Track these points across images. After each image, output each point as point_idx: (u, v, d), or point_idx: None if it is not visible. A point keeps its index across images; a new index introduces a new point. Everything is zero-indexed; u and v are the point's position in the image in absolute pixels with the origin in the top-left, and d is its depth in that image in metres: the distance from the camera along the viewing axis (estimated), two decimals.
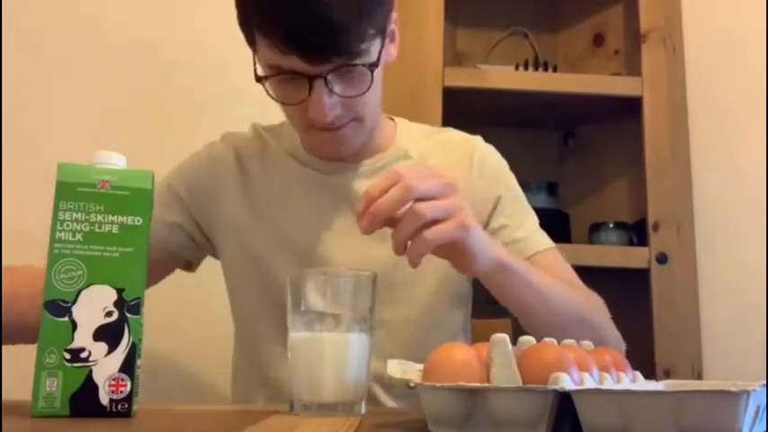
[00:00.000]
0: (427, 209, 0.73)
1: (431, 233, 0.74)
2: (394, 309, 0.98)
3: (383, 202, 0.73)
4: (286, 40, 0.83)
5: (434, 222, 0.74)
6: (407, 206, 0.74)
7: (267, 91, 0.92)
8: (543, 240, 1.06)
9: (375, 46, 0.88)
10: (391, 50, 0.98)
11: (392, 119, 1.12)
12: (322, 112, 0.88)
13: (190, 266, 1.11)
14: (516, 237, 1.04)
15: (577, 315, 0.95)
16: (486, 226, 1.03)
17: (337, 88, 0.88)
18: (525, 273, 0.89)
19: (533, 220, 1.09)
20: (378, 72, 0.90)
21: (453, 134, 1.13)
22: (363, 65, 0.87)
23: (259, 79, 0.91)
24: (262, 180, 1.05)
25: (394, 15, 0.95)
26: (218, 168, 1.08)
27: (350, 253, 0.98)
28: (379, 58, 0.89)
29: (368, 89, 0.89)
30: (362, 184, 0.99)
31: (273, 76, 0.89)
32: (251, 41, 0.91)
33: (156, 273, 1.02)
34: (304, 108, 0.89)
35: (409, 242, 0.75)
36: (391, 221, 0.75)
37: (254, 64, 0.93)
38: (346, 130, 0.94)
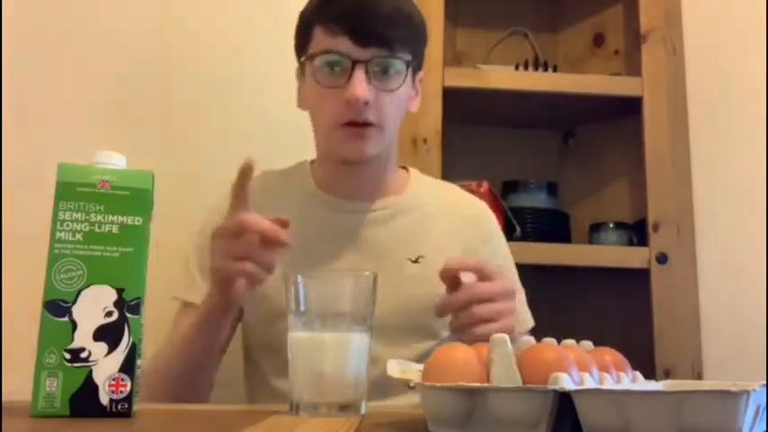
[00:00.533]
0: (482, 312, 0.87)
1: (482, 329, 0.86)
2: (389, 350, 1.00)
3: (452, 301, 0.88)
4: (343, 24, 0.98)
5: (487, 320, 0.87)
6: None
7: (314, 74, 1.02)
8: (528, 318, 1.15)
9: (408, 60, 1.03)
10: (414, 100, 1.11)
11: (406, 168, 1.20)
12: (359, 92, 0.98)
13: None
14: None
15: None
16: None
17: (374, 79, 1.00)
18: None
19: (522, 295, 1.15)
20: (403, 92, 1.03)
21: (460, 194, 1.22)
22: (401, 59, 1.01)
23: (308, 58, 1.03)
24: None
25: (421, 75, 1.11)
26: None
27: None
28: (410, 68, 1.03)
29: (399, 86, 1.02)
30: (373, 230, 1.08)
31: (320, 56, 1.01)
32: (306, 40, 1.05)
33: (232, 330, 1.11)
34: (339, 97, 0.99)
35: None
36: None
37: (299, 88, 1.10)
38: (369, 132, 1.02)
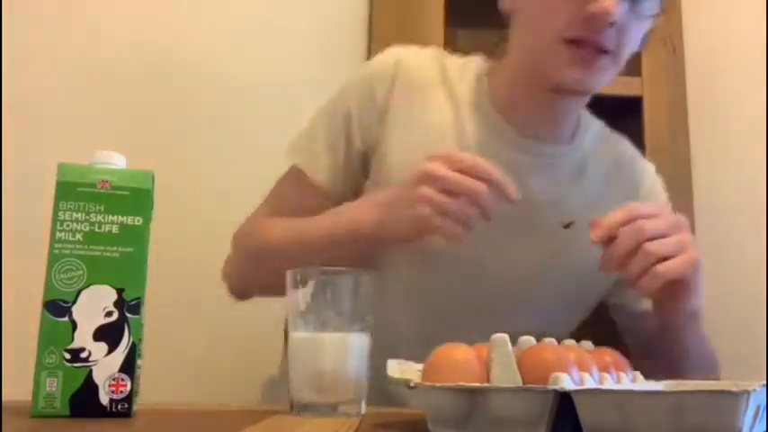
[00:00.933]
0: (658, 248, 0.77)
1: (664, 267, 0.77)
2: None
3: (618, 248, 0.75)
4: None
5: (665, 258, 0.77)
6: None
7: None
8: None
9: (652, 18, 0.88)
10: (641, 43, 0.94)
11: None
12: (609, 5, 0.81)
13: None
14: None
15: (711, 367, 1.04)
16: None
17: (624, 6, 0.83)
18: (702, 324, 0.96)
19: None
20: (642, 27, 0.88)
21: (629, 150, 1.08)
22: (651, 7, 0.86)
23: None
24: (438, 111, 0.95)
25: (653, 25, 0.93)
26: (376, 91, 0.96)
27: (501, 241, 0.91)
28: (651, 19, 0.88)
29: (654, 13, 0.86)
30: (548, 175, 0.94)
31: None
32: None
33: None
34: (576, 4, 0.82)
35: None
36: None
37: None
38: (602, 61, 0.87)
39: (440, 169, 0.77)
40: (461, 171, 0.77)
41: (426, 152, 0.83)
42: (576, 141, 0.99)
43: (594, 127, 1.04)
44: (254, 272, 0.98)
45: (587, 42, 0.84)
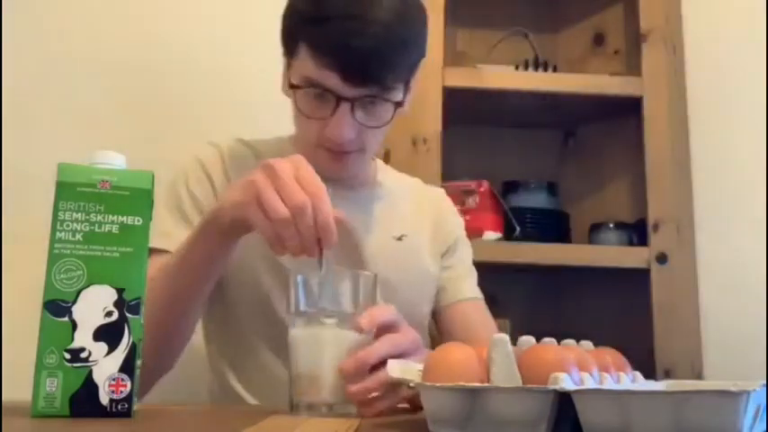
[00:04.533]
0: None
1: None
2: None
3: (371, 354, 0.73)
4: (334, 59, 0.89)
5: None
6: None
7: (294, 102, 0.96)
8: (479, 292, 1.17)
9: (401, 89, 0.96)
10: (409, 101, 1.03)
11: (373, 158, 1.17)
12: (340, 132, 0.93)
13: None
14: (459, 279, 1.16)
15: None
16: (441, 255, 1.16)
17: (359, 115, 0.94)
18: None
19: (475, 271, 1.20)
20: (386, 119, 0.97)
21: (427, 186, 1.24)
22: (390, 101, 0.94)
23: (291, 87, 0.96)
24: None
25: (418, 75, 1.02)
26: (210, 171, 1.06)
27: None
28: (404, 100, 0.97)
29: (385, 124, 0.96)
30: (355, 212, 1.02)
31: (305, 89, 0.94)
32: (290, 52, 0.97)
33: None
34: (322, 125, 0.95)
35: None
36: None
37: (285, 74, 1.00)
38: (350, 157, 0.99)
39: (282, 166, 0.75)
40: (299, 180, 0.75)
41: None
42: (377, 181, 1.15)
43: (390, 171, 1.22)
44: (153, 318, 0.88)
45: (334, 150, 0.97)
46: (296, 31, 0.95)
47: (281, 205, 0.73)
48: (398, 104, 0.96)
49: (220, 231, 0.83)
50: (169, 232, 0.98)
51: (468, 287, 1.16)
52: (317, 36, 0.91)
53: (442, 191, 1.25)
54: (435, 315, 1.16)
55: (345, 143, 0.95)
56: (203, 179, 1.05)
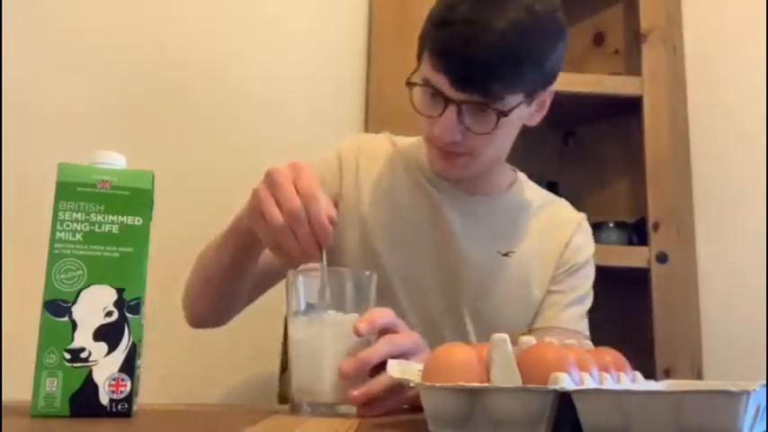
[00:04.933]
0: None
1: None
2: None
3: (372, 355, 0.74)
4: (444, 62, 0.93)
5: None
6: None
7: (411, 98, 1.00)
8: (582, 325, 1.12)
9: (515, 99, 0.96)
10: (535, 115, 1.05)
11: (514, 170, 1.20)
12: (444, 132, 0.96)
13: None
14: (561, 305, 1.10)
15: None
16: (550, 280, 1.11)
17: (466, 119, 0.95)
18: None
19: (588, 305, 1.15)
20: (507, 123, 0.97)
21: (564, 204, 1.22)
22: (494, 109, 0.94)
23: (408, 84, 0.99)
24: (388, 182, 1.11)
25: (551, 89, 1.05)
26: (347, 163, 1.11)
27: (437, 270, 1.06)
28: (510, 111, 0.96)
29: (490, 132, 0.96)
30: (470, 220, 1.07)
31: (421, 87, 0.98)
32: (419, 53, 1.00)
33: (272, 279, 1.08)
34: (432, 123, 0.98)
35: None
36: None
37: (413, 72, 1.01)
38: (459, 160, 1.01)
39: (280, 173, 0.78)
40: (297, 188, 0.77)
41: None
42: (509, 193, 1.15)
43: (529, 187, 1.20)
44: (195, 286, 1.05)
45: (441, 149, 1.00)
46: (425, 34, 0.98)
47: (277, 212, 0.75)
48: (503, 114, 0.95)
49: (242, 238, 0.89)
50: None
51: (565, 317, 1.09)
52: (438, 39, 0.95)
53: (582, 217, 1.20)
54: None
55: (449, 144, 0.97)
56: (335, 166, 1.11)
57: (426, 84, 0.97)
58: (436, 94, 0.96)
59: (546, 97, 1.05)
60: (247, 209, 0.82)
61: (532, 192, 1.19)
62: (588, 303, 1.15)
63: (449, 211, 1.07)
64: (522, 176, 1.21)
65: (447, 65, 0.93)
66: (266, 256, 0.96)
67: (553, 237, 1.12)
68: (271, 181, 0.77)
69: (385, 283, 1.03)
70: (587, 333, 1.12)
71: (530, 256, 1.09)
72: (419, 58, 1.00)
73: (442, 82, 0.94)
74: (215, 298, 1.02)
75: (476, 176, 1.07)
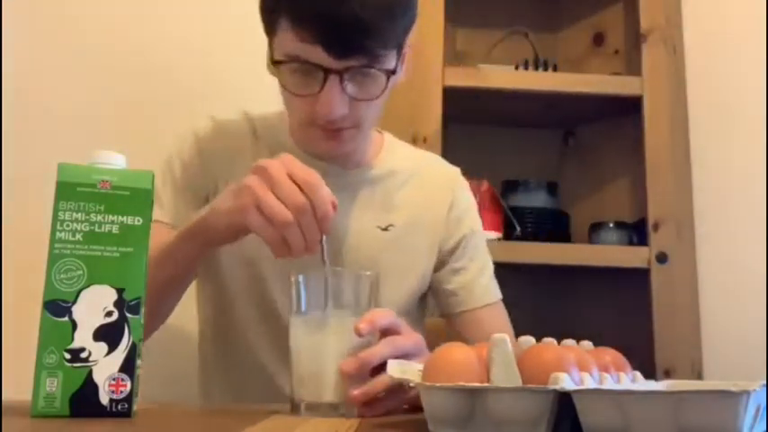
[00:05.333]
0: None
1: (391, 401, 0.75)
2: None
3: (373, 355, 0.73)
4: (315, 30, 0.84)
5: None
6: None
7: (279, 79, 0.92)
8: (495, 292, 1.14)
9: (393, 56, 0.90)
10: (402, 72, 0.98)
11: (380, 132, 1.14)
12: (330, 108, 0.88)
13: None
14: (471, 284, 1.11)
15: None
16: (444, 264, 1.11)
17: (350, 88, 0.88)
18: None
19: (491, 266, 1.15)
20: (390, 83, 0.91)
21: (436, 163, 1.17)
22: (381, 70, 0.89)
23: (275, 63, 0.91)
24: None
25: (411, 37, 0.95)
26: (203, 146, 1.07)
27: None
28: (395, 68, 0.91)
29: (379, 95, 0.90)
30: (344, 197, 0.96)
31: (289, 63, 0.89)
32: (270, 28, 0.91)
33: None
34: (311, 102, 0.90)
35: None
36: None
37: (269, 50, 0.94)
38: (345, 134, 0.94)
39: (274, 167, 0.75)
40: (293, 177, 0.75)
41: None
42: (378, 160, 1.09)
43: (399, 149, 1.14)
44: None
45: (326, 127, 0.92)
46: (275, 3, 0.88)
47: (283, 209, 0.73)
48: (391, 73, 0.90)
49: (211, 236, 0.83)
50: (163, 203, 1.01)
51: (479, 292, 1.11)
52: (297, 6, 0.85)
53: (457, 173, 1.16)
54: (448, 319, 1.13)
55: (338, 119, 0.90)
56: (194, 154, 1.06)
57: (298, 59, 0.87)
58: (310, 68, 0.87)
59: (407, 50, 0.97)
60: (234, 206, 0.77)
61: (402, 155, 1.13)
62: (490, 266, 1.15)
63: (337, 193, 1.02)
64: (388, 137, 1.14)
65: (320, 32, 0.83)
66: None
67: (432, 204, 1.09)
68: (266, 176, 0.75)
69: (257, 272, 1.00)
70: (500, 294, 1.14)
71: (411, 227, 1.06)
72: (271, 33, 0.91)
73: (316, 53, 0.85)
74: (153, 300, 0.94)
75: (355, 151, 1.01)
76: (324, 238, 0.76)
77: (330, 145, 0.95)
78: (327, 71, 0.86)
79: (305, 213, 0.73)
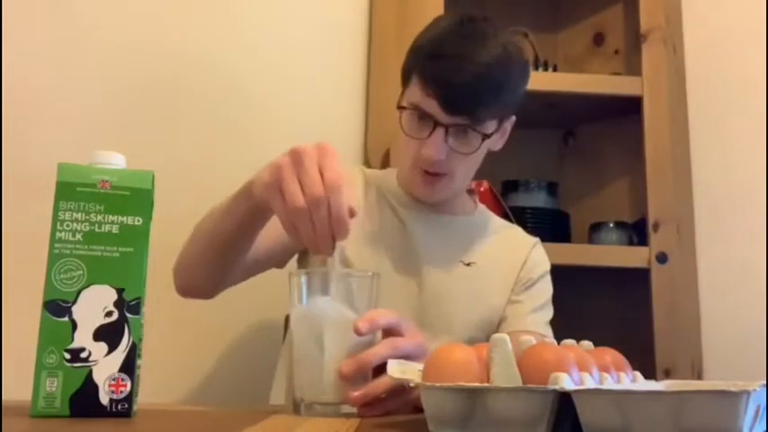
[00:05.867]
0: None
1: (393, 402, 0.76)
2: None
3: (372, 356, 0.75)
4: (436, 88, 1.03)
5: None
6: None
7: (400, 121, 1.10)
8: (544, 330, 1.17)
9: (493, 124, 1.09)
10: (498, 141, 1.17)
11: (476, 201, 1.28)
12: (432, 152, 1.05)
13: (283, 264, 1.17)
14: (523, 315, 1.16)
15: None
16: (508, 302, 1.18)
17: (451, 141, 1.06)
18: None
19: (548, 314, 1.21)
20: (483, 145, 1.09)
21: (520, 229, 1.32)
22: (479, 132, 1.06)
23: (400, 108, 1.10)
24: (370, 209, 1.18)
25: (513, 118, 1.16)
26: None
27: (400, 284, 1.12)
28: (492, 133, 1.09)
29: (473, 152, 1.08)
30: (440, 232, 1.16)
31: (411, 110, 1.08)
32: (405, 80, 1.11)
33: (259, 266, 1.12)
34: (419, 145, 1.07)
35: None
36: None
37: (400, 98, 1.12)
38: (439, 183, 1.11)
39: (308, 155, 0.77)
40: (323, 174, 0.76)
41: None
42: (475, 214, 1.26)
43: (490, 215, 1.30)
44: (192, 254, 1.05)
45: (426, 171, 1.10)
46: (413, 63, 1.09)
47: (300, 195, 0.74)
48: (486, 136, 1.07)
49: (250, 205, 0.88)
50: None
51: (529, 321, 1.16)
52: (429, 69, 1.05)
53: (537, 241, 1.28)
54: None
55: (436, 163, 1.07)
56: None
57: (416, 108, 1.06)
58: (425, 117, 1.06)
59: (508, 125, 1.17)
60: (266, 180, 0.79)
61: (493, 216, 1.30)
62: (549, 313, 1.21)
63: (415, 224, 1.16)
64: (482, 206, 1.31)
65: (438, 91, 1.03)
66: (267, 238, 1.00)
67: (512, 254, 1.21)
68: (297, 159, 0.76)
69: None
70: (553, 339, 1.15)
71: (490, 267, 1.17)
72: (405, 84, 1.11)
73: (432, 106, 1.04)
74: (212, 266, 1.02)
75: (447, 199, 1.17)
76: (337, 243, 0.76)
77: (427, 190, 1.13)
78: (437, 123, 1.05)
79: (319, 208, 0.74)
